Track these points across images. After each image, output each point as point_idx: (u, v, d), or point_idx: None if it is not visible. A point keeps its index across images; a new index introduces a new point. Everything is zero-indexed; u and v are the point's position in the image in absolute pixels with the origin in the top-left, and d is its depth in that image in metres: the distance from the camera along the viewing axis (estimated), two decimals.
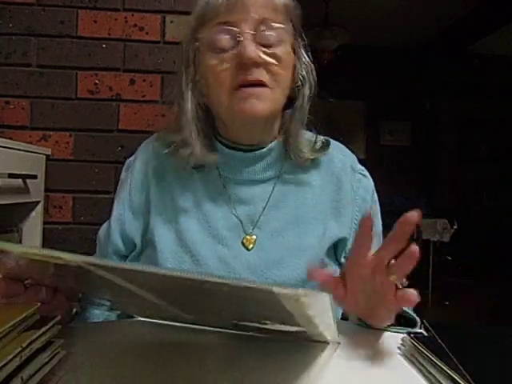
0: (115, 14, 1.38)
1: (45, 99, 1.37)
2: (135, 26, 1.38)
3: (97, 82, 1.37)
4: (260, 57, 0.60)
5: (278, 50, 0.62)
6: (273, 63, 0.62)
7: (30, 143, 1.34)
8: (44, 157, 1.34)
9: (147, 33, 1.38)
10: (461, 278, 4.12)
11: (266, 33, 0.61)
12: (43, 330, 0.36)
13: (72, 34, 1.37)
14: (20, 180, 1.19)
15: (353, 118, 5.04)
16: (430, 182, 5.06)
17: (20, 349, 0.32)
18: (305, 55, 0.69)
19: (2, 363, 0.30)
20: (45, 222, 1.36)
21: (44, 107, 1.37)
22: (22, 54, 1.37)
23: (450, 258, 4.02)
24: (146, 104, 1.37)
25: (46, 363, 0.36)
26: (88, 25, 1.38)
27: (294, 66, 0.67)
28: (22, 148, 1.20)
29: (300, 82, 0.68)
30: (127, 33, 1.38)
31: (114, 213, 0.72)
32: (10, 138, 1.30)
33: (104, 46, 1.37)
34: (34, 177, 1.24)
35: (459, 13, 4.09)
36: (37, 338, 0.35)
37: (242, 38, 0.60)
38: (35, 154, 1.30)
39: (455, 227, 3.66)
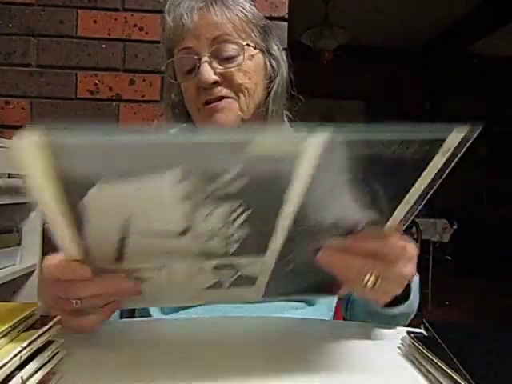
0: (115, 14, 1.38)
1: (45, 99, 1.37)
2: (135, 26, 1.38)
3: (97, 82, 1.37)
4: (214, 78, 0.64)
5: (239, 61, 0.65)
6: (232, 77, 0.64)
7: None
8: None
9: (147, 33, 1.38)
10: (461, 278, 4.13)
11: (222, 49, 0.64)
12: (43, 329, 0.36)
13: (72, 34, 1.38)
14: (20, 180, 1.19)
15: (353, 117, 5.04)
16: None
17: (20, 349, 0.32)
18: (274, 49, 0.70)
19: (2, 363, 0.30)
20: (45, 222, 1.36)
21: (44, 107, 1.37)
22: (22, 54, 1.37)
23: (449, 258, 4.02)
24: (146, 104, 1.37)
25: (46, 363, 0.36)
26: (88, 25, 1.38)
27: (265, 64, 0.69)
28: None
29: (273, 75, 0.70)
30: (127, 33, 1.38)
31: None
32: (10, 138, 1.30)
33: (104, 46, 1.37)
34: None
35: (459, 13, 4.09)
36: (37, 338, 0.35)
37: (199, 63, 0.64)
38: None
39: (455, 227, 3.66)
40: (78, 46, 1.37)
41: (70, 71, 1.37)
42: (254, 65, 0.67)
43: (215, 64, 0.64)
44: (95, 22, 1.38)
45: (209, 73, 0.63)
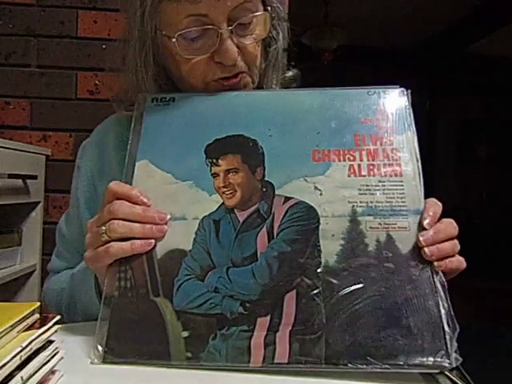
0: (115, 14, 1.38)
1: (45, 99, 1.37)
2: None
3: (97, 82, 1.37)
4: (237, 56, 0.57)
5: (255, 32, 0.59)
6: (249, 50, 0.59)
7: (30, 143, 1.34)
8: (44, 157, 1.34)
9: None
10: (460, 278, 4.11)
11: (240, 19, 0.56)
12: (43, 329, 0.36)
13: (72, 34, 1.38)
14: (20, 180, 1.19)
15: None
16: (430, 182, 5.06)
17: (20, 348, 0.32)
18: (273, 2, 0.64)
19: (2, 363, 0.30)
20: (45, 222, 1.36)
21: (44, 107, 1.37)
22: (22, 54, 1.37)
23: None
24: None
25: (46, 363, 0.36)
26: (88, 25, 1.38)
27: (269, 31, 0.62)
28: (21, 148, 1.20)
29: (272, 36, 0.66)
30: None
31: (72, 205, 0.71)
32: (10, 139, 1.31)
33: (104, 46, 1.37)
34: (34, 177, 1.24)
35: (459, 13, 4.09)
36: (36, 338, 0.35)
37: (218, 36, 0.55)
38: (35, 155, 1.30)
39: None
40: (78, 47, 1.37)
41: (70, 71, 1.37)
42: (265, 33, 0.61)
43: (234, 37, 0.56)
44: (95, 22, 1.38)
45: (234, 50, 0.56)
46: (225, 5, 0.54)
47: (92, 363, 0.42)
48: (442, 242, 0.46)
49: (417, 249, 0.44)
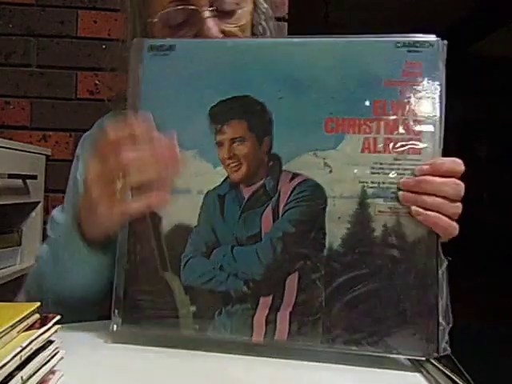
0: (115, 14, 1.38)
1: (45, 99, 1.37)
2: None
3: (97, 82, 1.37)
4: (219, 36, 0.58)
5: (238, 15, 0.60)
6: (231, 35, 0.59)
7: (30, 143, 1.34)
8: (44, 157, 1.34)
9: None
10: (461, 278, 4.12)
11: (225, 10, 0.58)
12: (43, 329, 0.36)
13: (72, 34, 1.38)
14: (20, 180, 1.19)
15: None
16: None
17: (20, 349, 0.32)
18: (262, 3, 0.66)
19: (2, 363, 0.30)
20: (45, 222, 1.36)
21: (44, 107, 1.37)
22: (22, 54, 1.37)
23: (450, 258, 4.01)
24: None
25: (46, 363, 0.36)
26: (88, 25, 1.38)
27: (252, 15, 0.64)
28: (21, 148, 1.20)
29: (260, 32, 0.66)
30: None
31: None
32: (10, 139, 1.30)
33: (104, 46, 1.37)
34: (34, 177, 1.24)
35: (459, 13, 4.09)
36: (36, 338, 0.35)
37: (198, 16, 0.57)
38: (35, 155, 1.30)
39: None
40: (77, 46, 1.37)
41: (70, 71, 1.37)
42: (246, 19, 0.62)
43: (217, 19, 0.58)
44: (95, 22, 1.38)
45: (216, 30, 0.57)
46: None
47: (112, 330, 0.47)
48: (430, 195, 0.43)
49: (424, 237, 0.43)
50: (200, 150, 0.47)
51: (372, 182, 0.44)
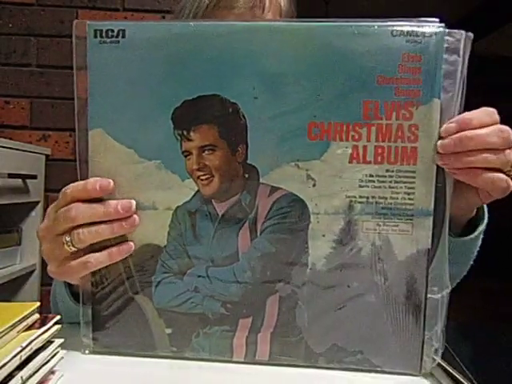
0: (115, 13, 1.38)
1: (45, 99, 1.37)
2: None
3: None
4: None
5: None
6: None
7: (30, 143, 1.34)
8: (44, 157, 1.35)
9: None
10: (462, 279, 4.11)
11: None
12: (43, 329, 0.36)
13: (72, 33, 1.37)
14: (20, 180, 1.19)
15: None
16: None
17: (20, 349, 0.32)
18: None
19: (2, 363, 0.30)
20: None
21: (44, 107, 1.37)
22: (22, 54, 1.37)
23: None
24: None
25: (46, 363, 0.36)
26: None
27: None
28: (21, 148, 1.20)
29: None
30: None
31: None
32: (10, 138, 1.30)
33: None
34: (34, 177, 1.24)
35: (459, 13, 4.09)
36: (36, 338, 0.35)
37: None
38: (35, 154, 1.30)
39: None
40: None
41: (70, 71, 1.37)
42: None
43: None
44: None
45: None
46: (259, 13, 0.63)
47: (83, 354, 0.43)
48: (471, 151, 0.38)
49: (414, 255, 0.40)
50: (164, 159, 0.41)
51: (360, 197, 0.39)
